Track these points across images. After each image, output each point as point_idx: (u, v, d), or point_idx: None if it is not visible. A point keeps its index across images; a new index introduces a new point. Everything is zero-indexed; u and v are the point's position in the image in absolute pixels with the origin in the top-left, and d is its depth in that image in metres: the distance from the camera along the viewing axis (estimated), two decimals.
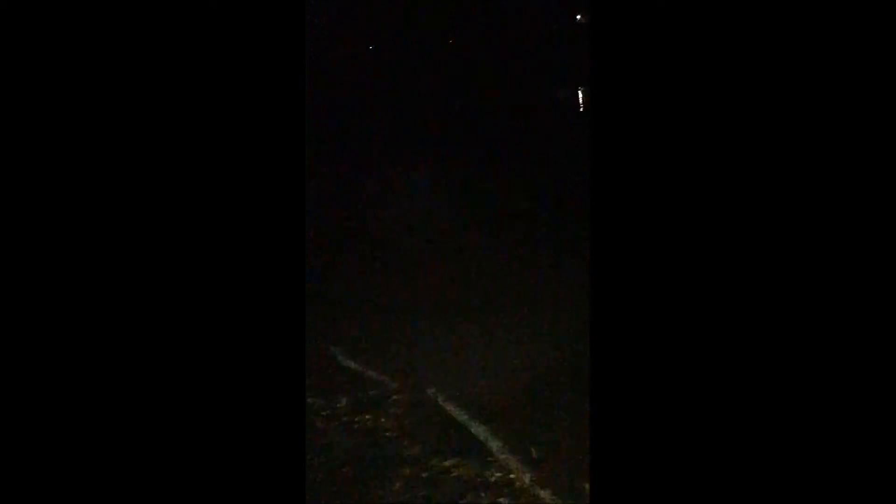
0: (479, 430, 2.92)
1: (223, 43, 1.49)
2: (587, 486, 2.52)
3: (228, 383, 1.49)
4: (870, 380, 1.37)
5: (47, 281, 1.45)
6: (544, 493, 2.50)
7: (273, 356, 1.51)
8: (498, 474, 2.62)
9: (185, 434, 1.47)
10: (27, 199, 1.44)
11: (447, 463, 2.71)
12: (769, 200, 1.41)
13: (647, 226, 1.46)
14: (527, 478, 2.58)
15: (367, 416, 3.08)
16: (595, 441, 1.51)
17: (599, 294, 1.50)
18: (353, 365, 3.57)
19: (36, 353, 1.44)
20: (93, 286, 1.46)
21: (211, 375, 1.48)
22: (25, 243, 1.44)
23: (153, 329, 1.47)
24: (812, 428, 1.39)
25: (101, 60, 1.46)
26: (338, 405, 3.15)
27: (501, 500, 2.49)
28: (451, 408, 3.12)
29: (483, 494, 2.52)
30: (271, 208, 1.52)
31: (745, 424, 1.41)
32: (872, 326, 1.38)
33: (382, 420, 3.06)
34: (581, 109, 12.15)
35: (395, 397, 3.24)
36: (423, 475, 2.65)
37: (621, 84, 1.48)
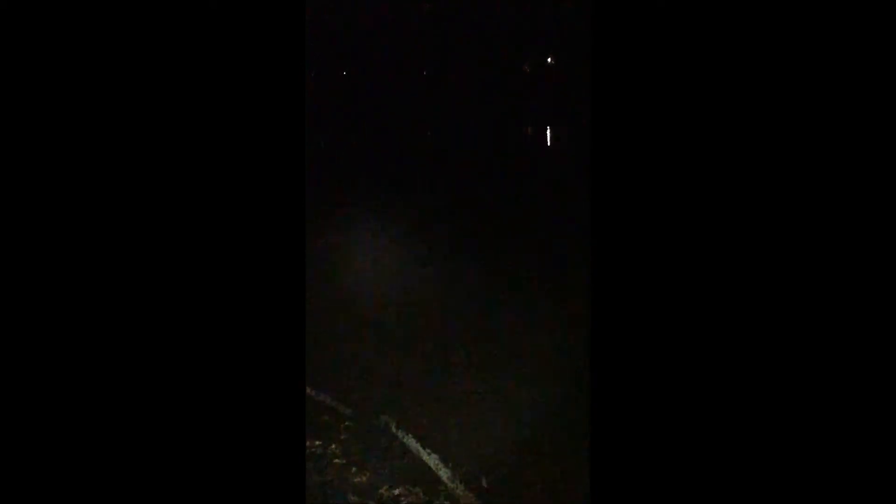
0: (429, 458, 2.86)
1: (222, 43, 1.48)
2: None
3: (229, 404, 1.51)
4: (869, 381, 1.35)
5: (44, 290, 1.42)
6: None
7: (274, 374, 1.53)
8: (446, 503, 2.56)
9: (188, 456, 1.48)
10: (27, 201, 1.41)
11: (396, 491, 2.65)
12: (777, 239, 1.40)
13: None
14: None
15: (317, 443, 3.00)
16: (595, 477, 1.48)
17: (598, 341, 1.49)
18: (306, 390, 3.49)
19: (34, 364, 1.41)
20: (92, 296, 1.44)
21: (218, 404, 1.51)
22: (24, 246, 1.40)
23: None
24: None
25: (101, 61, 1.44)
26: None
27: None
28: (403, 435, 3.06)
29: None
30: (270, 214, 1.50)
31: (735, 481, 1.40)
32: (871, 328, 1.35)
33: (333, 447, 2.98)
34: (548, 145, 12.38)
35: (347, 423, 3.17)
36: None
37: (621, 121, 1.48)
